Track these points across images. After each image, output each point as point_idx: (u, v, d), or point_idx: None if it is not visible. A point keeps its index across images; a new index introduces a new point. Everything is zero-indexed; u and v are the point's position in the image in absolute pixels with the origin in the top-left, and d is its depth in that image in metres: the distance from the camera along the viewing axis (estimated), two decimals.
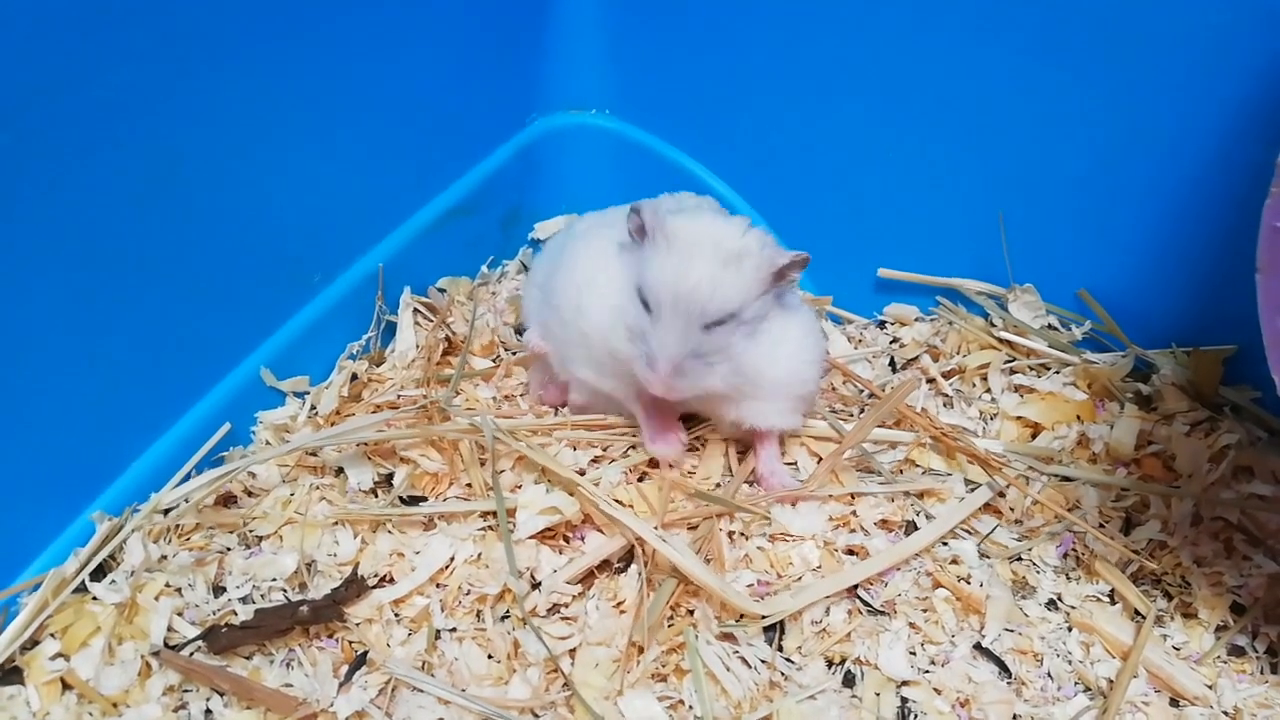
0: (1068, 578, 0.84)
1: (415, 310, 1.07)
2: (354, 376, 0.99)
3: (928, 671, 0.76)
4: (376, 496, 0.88)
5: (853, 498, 0.89)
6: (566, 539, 0.84)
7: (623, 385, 0.88)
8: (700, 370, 0.79)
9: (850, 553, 0.84)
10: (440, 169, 1.09)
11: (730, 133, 1.12)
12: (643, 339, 0.79)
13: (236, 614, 0.77)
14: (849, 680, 0.75)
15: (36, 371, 0.76)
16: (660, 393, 0.80)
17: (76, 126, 0.71)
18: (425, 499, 0.88)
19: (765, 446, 0.91)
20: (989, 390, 1.00)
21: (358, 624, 0.77)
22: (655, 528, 0.80)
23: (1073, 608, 0.81)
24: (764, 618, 0.77)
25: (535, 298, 0.97)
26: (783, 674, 0.75)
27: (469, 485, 0.89)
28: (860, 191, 1.06)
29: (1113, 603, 0.82)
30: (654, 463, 0.90)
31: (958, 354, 1.03)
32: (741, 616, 0.77)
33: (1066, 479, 0.90)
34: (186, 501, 0.84)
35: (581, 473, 0.87)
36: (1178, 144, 0.86)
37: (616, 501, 0.83)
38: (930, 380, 1.01)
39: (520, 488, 0.87)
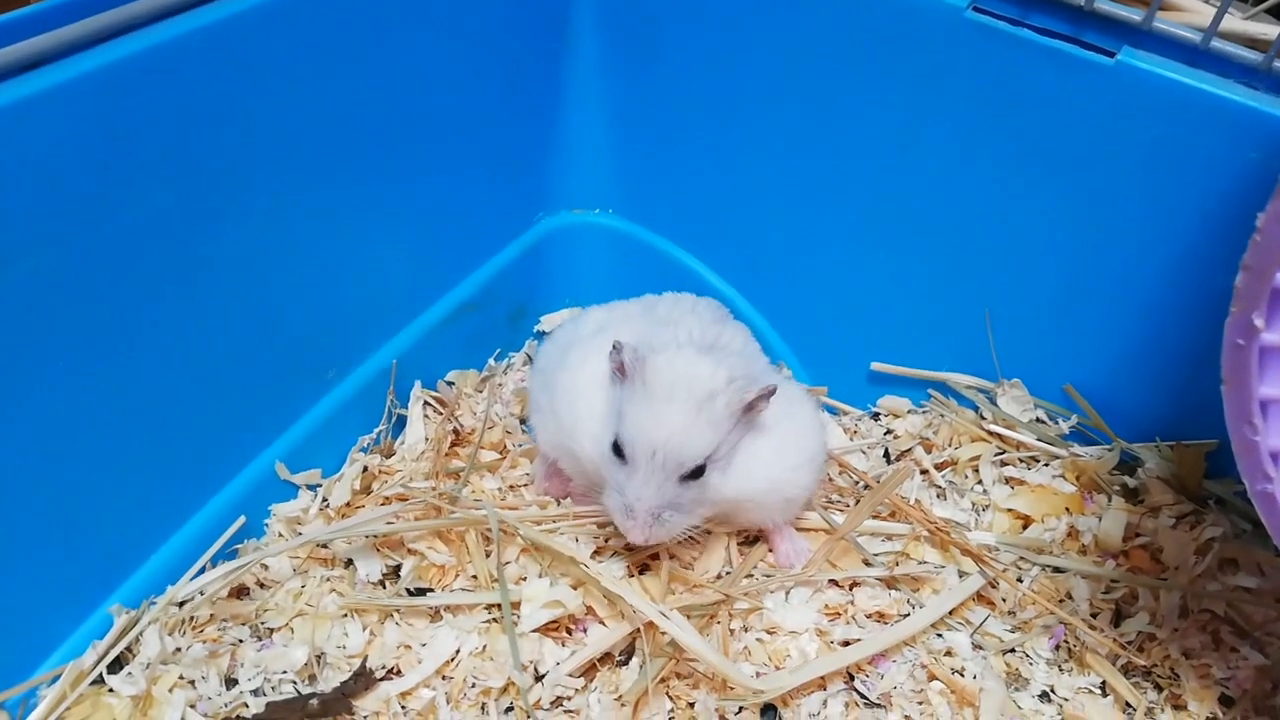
0: (1060, 669, 0.86)
1: (425, 403, 1.10)
2: (365, 469, 1.02)
3: None
4: (384, 588, 0.90)
5: (850, 587, 0.91)
6: (569, 631, 0.87)
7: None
8: (678, 519, 0.82)
9: (847, 645, 0.86)
10: (451, 267, 1.14)
11: (729, 232, 1.17)
12: (619, 489, 0.82)
13: (248, 706, 0.80)
14: None
15: (58, 468, 0.79)
16: (639, 542, 0.82)
17: (103, 241, 0.76)
18: (432, 590, 0.90)
19: (776, 534, 0.94)
20: (980, 482, 1.02)
21: (365, 716, 0.79)
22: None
23: (1065, 700, 0.83)
24: (762, 693, 0.79)
25: (540, 393, 1.00)
26: None
27: (474, 577, 0.91)
28: (854, 289, 1.10)
29: (1104, 695, 0.84)
30: (655, 556, 0.93)
31: (950, 446, 1.07)
32: (740, 711, 0.79)
33: (1058, 570, 0.93)
34: (201, 594, 0.86)
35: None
36: (1151, 246, 0.90)
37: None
38: (924, 472, 1.04)
39: (524, 579, 0.89)
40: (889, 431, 1.11)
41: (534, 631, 0.84)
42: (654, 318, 0.99)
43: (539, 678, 0.82)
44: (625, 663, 0.84)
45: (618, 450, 0.82)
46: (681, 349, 0.86)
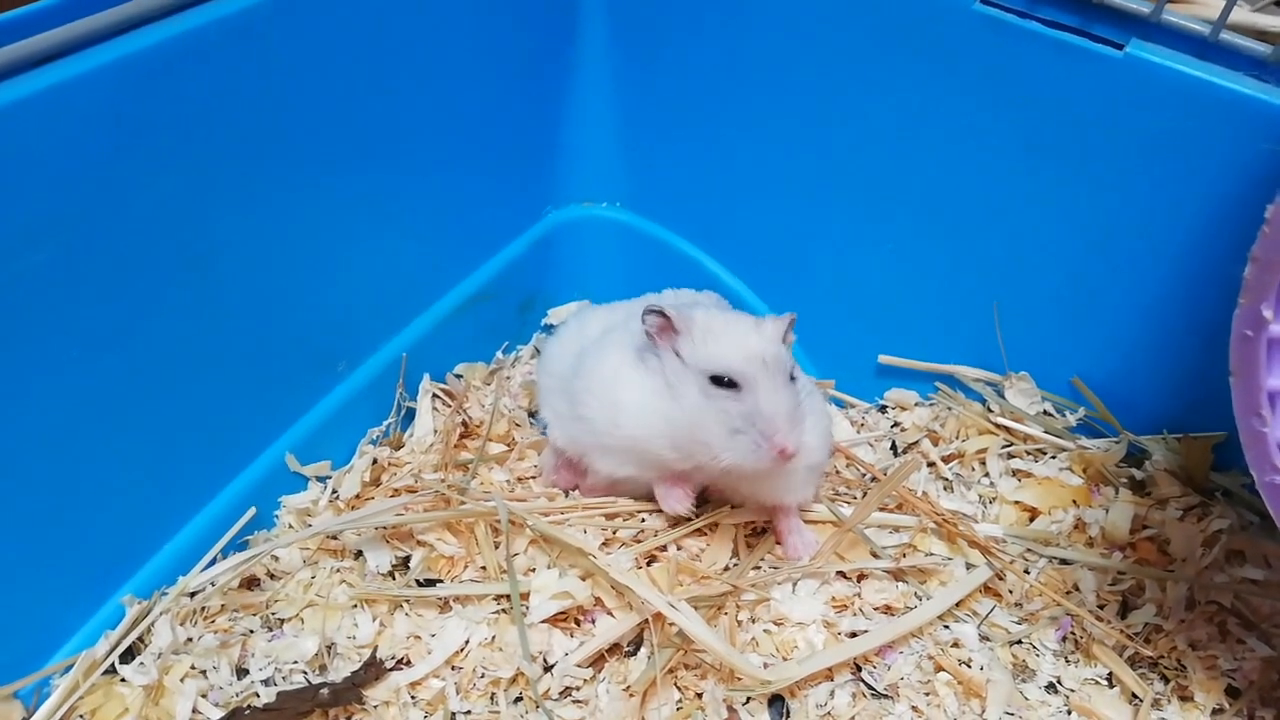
0: (1067, 661, 0.86)
1: (434, 396, 1.11)
2: (374, 461, 1.03)
3: None
4: (394, 579, 0.91)
5: (858, 579, 0.92)
6: (578, 622, 0.87)
7: (656, 471, 0.90)
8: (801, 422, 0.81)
9: (854, 637, 0.87)
10: (461, 261, 1.14)
11: (735, 225, 1.17)
12: (750, 415, 0.79)
13: (259, 696, 0.80)
14: None
15: (71, 460, 0.80)
16: (792, 449, 0.78)
17: (115, 234, 0.76)
18: (441, 581, 0.91)
19: (787, 518, 0.94)
20: (988, 474, 1.03)
21: (376, 706, 0.80)
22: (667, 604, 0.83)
23: (1072, 691, 0.83)
24: (769, 683, 0.79)
25: (553, 395, 0.99)
26: None
27: (483, 568, 0.92)
28: (861, 282, 1.11)
29: (1111, 686, 0.84)
30: (663, 547, 0.93)
31: (957, 439, 1.07)
32: (748, 701, 0.80)
33: (1065, 562, 0.93)
34: (212, 585, 0.87)
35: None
36: (1159, 240, 0.90)
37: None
38: (931, 464, 1.04)
39: (534, 571, 0.90)
40: (896, 424, 1.11)
41: (543, 622, 0.85)
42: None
43: (548, 668, 0.82)
44: (633, 653, 0.84)
45: (718, 381, 0.81)
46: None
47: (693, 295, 1.08)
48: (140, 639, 0.83)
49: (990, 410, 1.07)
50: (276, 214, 0.89)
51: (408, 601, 0.88)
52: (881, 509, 0.97)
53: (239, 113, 0.82)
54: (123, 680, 0.80)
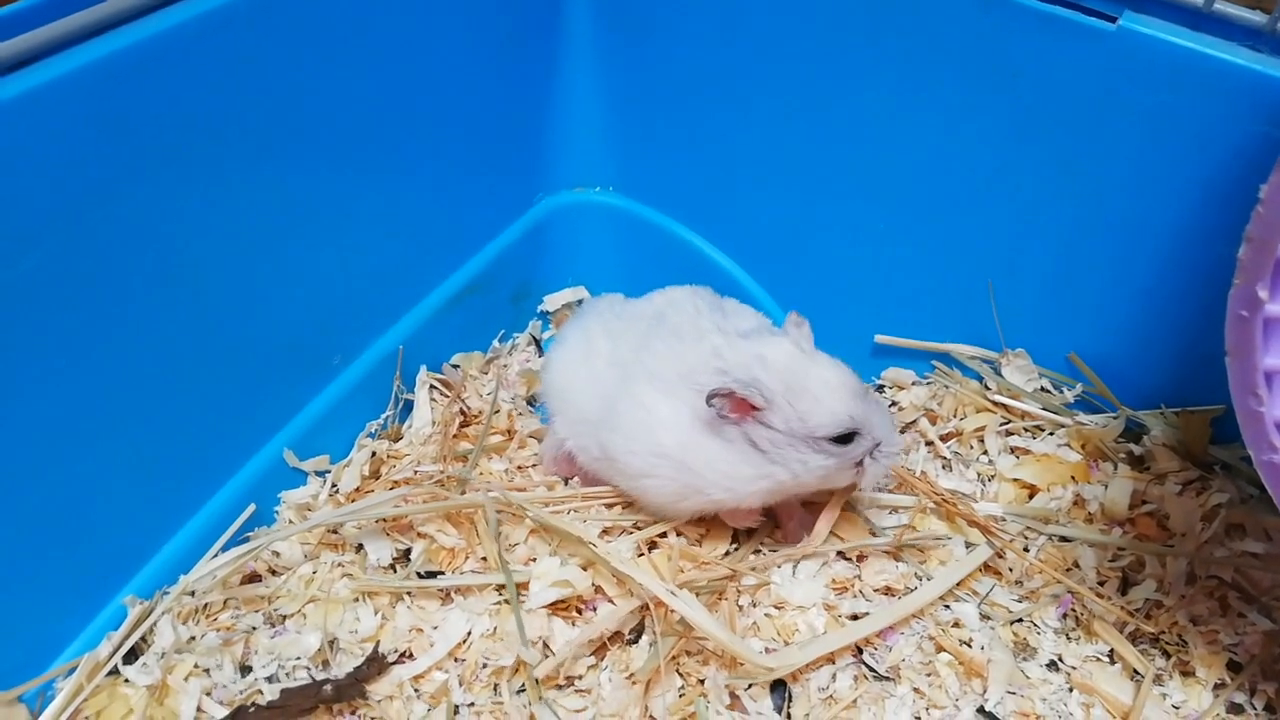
0: (1068, 638, 0.86)
1: (431, 387, 1.10)
2: (373, 454, 1.03)
3: None
4: (395, 572, 0.91)
5: (858, 560, 0.92)
6: (579, 610, 0.87)
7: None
8: None
9: (855, 619, 0.87)
10: (453, 250, 1.13)
11: (729, 207, 1.16)
12: (867, 451, 0.85)
13: (263, 693, 0.81)
14: None
15: (69, 463, 0.80)
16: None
17: (105, 235, 0.76)
18: (442, 573, 0.91)
19: (784, 511, 0.95)
20: (986, 452, 1.02)
21: (379, 701, 0.80)
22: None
23: (1073, 668, 0.83)
24: (772, 670, 0.79)
25: (571, 423, 0.98)
26: None
27: (484, 559, 0.92)
28: (855, 261, 1.10)
29: (1112, 663, 0.84)
30: (663, 534, 0.93)
31: (955, 417, 1.06)
32: (750, 686, 0.80)
33: (1064, 539, 0.93)
34: (213, 578, 0.87)
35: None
36: (1154, 213, 0.89)
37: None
38: (929, 443, 1.04)
39: (534, 560, 0.90)
40: (894, 404, 1.11)
41: (544, 608, 0.85)
42: (671, 331, 0.93)
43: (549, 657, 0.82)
44: (635, 641, 0.85)
45: (843, 439, 0.83)
46: (735, 341, 0.88)
47: (684, 292, 1.03)
48: (143, 639, 0.84)
49: (987, 388, 1.07)
50: (267, 210, 0.88)
51: (409, 594, 0.88)
52: (880, 489, 0.97)
53: (225, 110, 0.81)
54: (126, 681, 0.80)
